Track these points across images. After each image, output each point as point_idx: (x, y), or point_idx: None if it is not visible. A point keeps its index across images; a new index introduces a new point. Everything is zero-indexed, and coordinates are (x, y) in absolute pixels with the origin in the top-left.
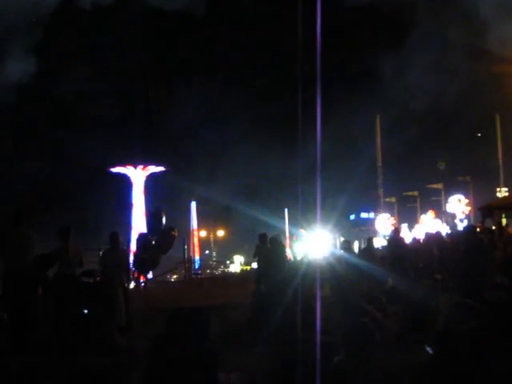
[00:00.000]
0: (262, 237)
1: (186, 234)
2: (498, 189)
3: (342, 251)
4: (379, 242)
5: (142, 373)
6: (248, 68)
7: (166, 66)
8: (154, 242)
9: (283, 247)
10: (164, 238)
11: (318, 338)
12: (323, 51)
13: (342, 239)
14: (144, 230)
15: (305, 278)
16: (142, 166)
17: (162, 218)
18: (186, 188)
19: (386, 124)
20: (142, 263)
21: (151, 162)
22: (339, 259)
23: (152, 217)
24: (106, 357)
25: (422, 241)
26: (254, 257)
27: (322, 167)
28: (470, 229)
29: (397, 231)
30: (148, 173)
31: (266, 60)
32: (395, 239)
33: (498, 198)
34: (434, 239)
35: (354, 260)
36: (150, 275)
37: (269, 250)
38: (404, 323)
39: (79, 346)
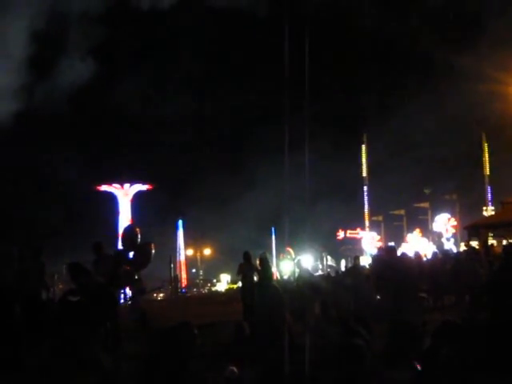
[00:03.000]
0: (246, 254)
1: (173, 252)
2: (484, 208)
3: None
4: (365, 261)
5: None
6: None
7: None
8: (129, 258)
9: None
10: (140, 253)
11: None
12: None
13: (330, 258)
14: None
15: (294, 296)
16: (128, 184)
17: (136, 234)
18: (173, 207)
19: (372, 143)
20: (117, 279)
21: (138, 181)
22: (326, 278)
23: (126, 233)
24: (90, 376)
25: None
26: (238, 275)
27: (309, 186)
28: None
29: (382, 250)
30: (135, 191)
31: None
32: (383, 258)
33: (484, 216)
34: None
35: (341, 278)
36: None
37: (252, 267)
38: (390, 342)
39: (65, 366)
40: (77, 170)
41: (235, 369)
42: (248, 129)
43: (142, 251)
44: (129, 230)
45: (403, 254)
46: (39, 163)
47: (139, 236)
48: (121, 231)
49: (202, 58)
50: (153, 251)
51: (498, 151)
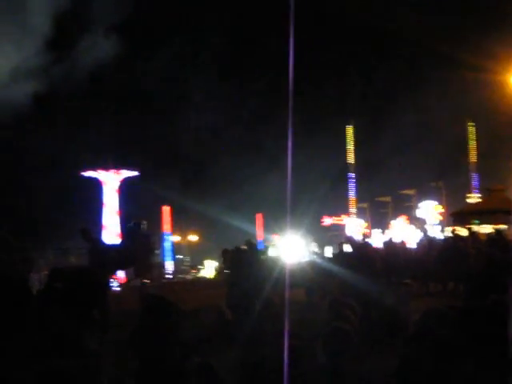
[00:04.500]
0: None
1: (159, 238)
2: (468, 195)
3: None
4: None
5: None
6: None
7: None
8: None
9: (258, 251)
10: (141, 245)
11: (286, 341)
12: (297, 54)
13: (315, 244)
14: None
15: (278, 282)
16: (114, 170)
17: (139, 226)
18: (160, 193)
19: (359, 130)
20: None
21: (125, 167)
22: (312, 264)
23: (128, 225)
24: (74, 359)
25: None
26: (225, 264)
27: (295, 173)
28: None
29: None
30: (121, 177)
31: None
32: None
33: (469, 203)
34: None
35: (326, 265)
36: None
37: (243, 256)
38: (376, 328)
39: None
40: (60, 154)
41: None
42: (234, 115)
43: (144, 242)
44: (132, 222)
45: (389, 241)
46: (20, 146)
47: (143, 228)
48: (113, 220)
49: (195, 42)
50: (153, 245)
51: (485, 138)
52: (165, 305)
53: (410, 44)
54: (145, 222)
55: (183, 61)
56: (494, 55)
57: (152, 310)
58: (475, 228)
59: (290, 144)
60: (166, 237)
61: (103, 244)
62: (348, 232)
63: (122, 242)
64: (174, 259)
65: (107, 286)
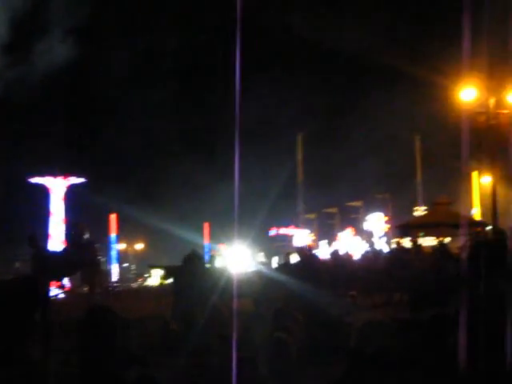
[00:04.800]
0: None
1: (105, 245)
2: (415, 208)
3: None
4: (297, 258)
5: None
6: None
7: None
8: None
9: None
10: (85, 251)
11: (234, 352)
12: (245, 65)
13: (262, 254)
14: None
15: (225, 292)
16: (62, 177)
17: (82, 232)
18: (107, 201)
19: (308, 141)
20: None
21: (72, 173)
22: (259, 274)
23: (71, 230)
24: (16, 368)
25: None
26: (169, 276)
27: (242, 182)
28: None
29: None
30: (68, 183)
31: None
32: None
33: (415, 216)
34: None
35: (273, 274)
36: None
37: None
38: (319, 339)
39: None
40: (6, 160)
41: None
42: (184, 124)
43: (88, 249)
44: (73, 229)
45: (335, 252)
46: None
47: (85, 234)
48: (59, 228)
49: (147, 49)
50: (97, 251)
51: (431, 152)
52: (107, 314)
53: (358, 57)
54: (85, 225)
55: (132, 67)
56: (441, 70)
57: (94, 319)
58: (420, 240)
59: (237, 154)
60: (112, 245)
61: (47, 251)
62: (295, 243)
63: (64, 248)
64: (121, 267)
65: (47, 294)
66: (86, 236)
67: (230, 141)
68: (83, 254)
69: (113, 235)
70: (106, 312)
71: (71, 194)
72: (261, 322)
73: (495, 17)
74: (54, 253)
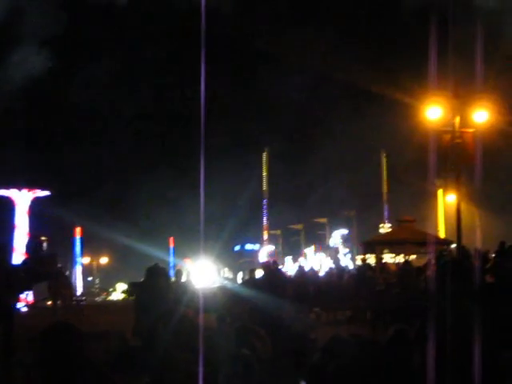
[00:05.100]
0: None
1: (69, 260)
2: (381, 225)
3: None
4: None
5: None
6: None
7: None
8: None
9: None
10: (44, 264)
11: (201, 369)
12: (210, 84)
13: (227, 270)
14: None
15: (189, 307)
16: (27, 189)
17: (41, 244)
18: (72, 214)
19: (273, 157)
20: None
21: (37, 186)
22: (223, 289)
23: (30, 244)
24: None
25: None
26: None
27: (207, 198)
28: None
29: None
30: (33, 196)
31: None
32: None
33: (380, 233)
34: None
35: (238, 290)
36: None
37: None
38: (282, 355)
39: None
40: None
41: None
42: (150, 139)
43: (46, 262)
44: (33, 241)
45: (300, 268)
46: None
47: (44, 246)
48: (23, 242)
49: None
50: (58, 263)
51: (397, 170)
52: (69, 329)
53: (324, 76)
54: (44, 238)
55: (96, 79)
56: (408, 89)
57: (55, 334)
58: (385, 258)
59: (202, 170)
60: (76, 258)
61: (10, 264)
62: (261, 258)
63: (24, 260)
64: (85, 281)
65: (12, 307)
66: (45, 248)
67: (197, 156)
68: (43, 267)
69: (77, 249)
70: (67, 327)
71: (36, 207)
72: (224, 338)
73: (460, 37)
74: (16, 266)
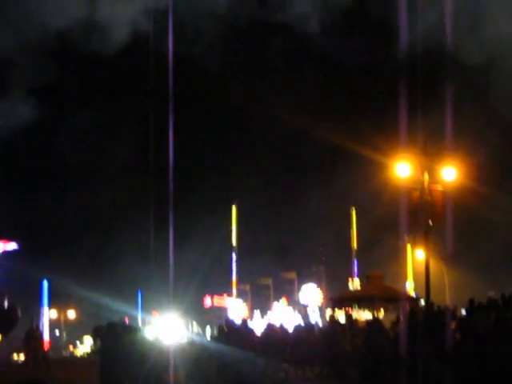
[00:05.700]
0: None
1: (36, 313)
2: (350, 280)
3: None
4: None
5: None
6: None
7: None
8: None
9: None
10: (5, 317)
11: None
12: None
13: (195, 324)
14: None
15: (157, 364)
16: None
17: (3, 298)
18: (39, 268)
19: (243, 211)
20: None
21: (4, 239)
22: (192, 346)
23: None
24: None
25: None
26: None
27: (176, 251)
28: None
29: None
30: (1, 249)
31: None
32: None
33: (349, 290)
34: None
35: (207, 346)
36: None
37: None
38: None
39: None
40: None
41: None
42: (116, 192)
43: (8, 315)
44: None
45: (269, 324)
46: None
47: (5, 301)
48: None
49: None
50: (19, 315)
51: (367, 226)
52: None
53: (294, 133)
54: (4, 291)
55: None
56: (378, 146)
57: None
58: (354, 314)
59: (171, 221)
60: (44, 312)
61: None
62: (230, 313)
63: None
64: (52, 335)
65: None
66: (6, 302)
67: (165, 208)
68: (3, 320)
69: (44, 303)
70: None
71: (3, 260)
72: None
73: (429, 96)
74: None
